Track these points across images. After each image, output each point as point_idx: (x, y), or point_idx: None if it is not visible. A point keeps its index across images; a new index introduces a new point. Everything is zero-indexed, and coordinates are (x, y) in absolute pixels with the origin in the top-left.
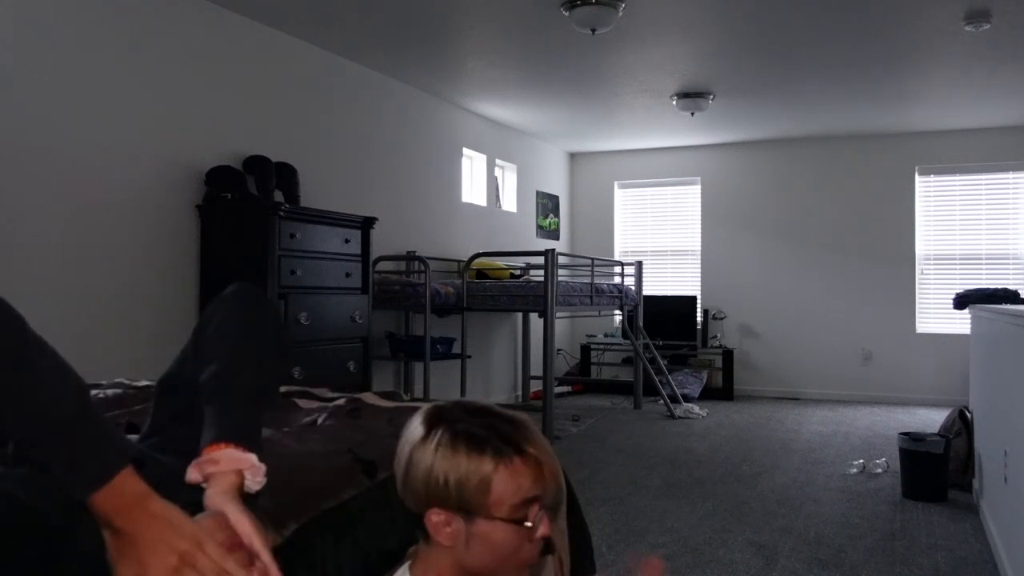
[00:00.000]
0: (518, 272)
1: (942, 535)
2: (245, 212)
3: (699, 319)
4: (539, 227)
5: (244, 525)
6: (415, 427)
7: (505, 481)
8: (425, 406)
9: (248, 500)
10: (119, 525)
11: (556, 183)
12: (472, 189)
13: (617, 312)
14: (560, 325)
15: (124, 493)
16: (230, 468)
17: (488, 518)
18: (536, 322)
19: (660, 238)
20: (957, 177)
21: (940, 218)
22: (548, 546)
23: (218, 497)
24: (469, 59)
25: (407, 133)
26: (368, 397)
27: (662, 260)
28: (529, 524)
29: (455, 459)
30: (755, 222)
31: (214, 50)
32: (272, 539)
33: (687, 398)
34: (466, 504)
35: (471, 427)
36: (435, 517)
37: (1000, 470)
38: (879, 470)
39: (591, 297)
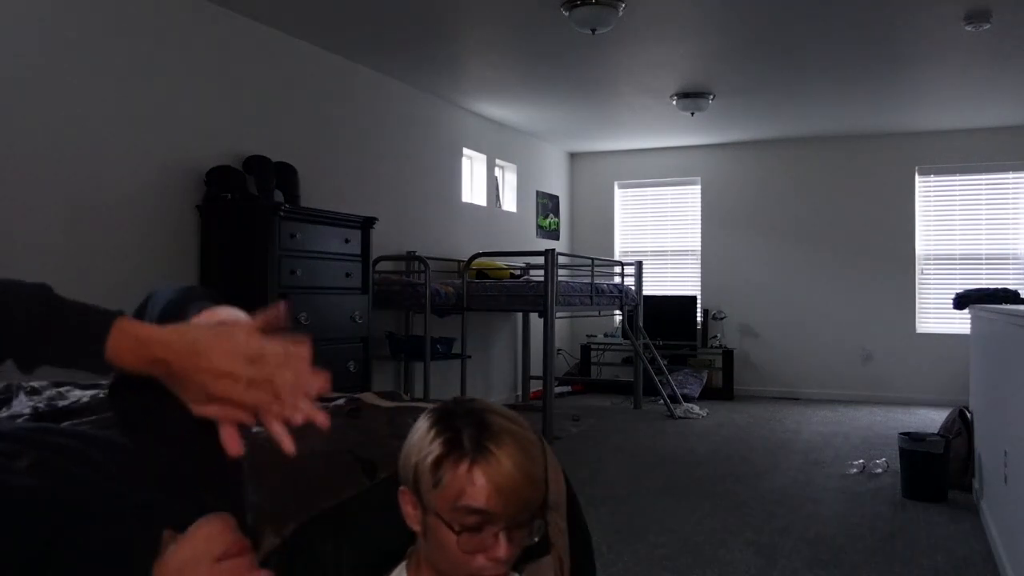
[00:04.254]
0: (518, 272)
1: (942, 535)
2: (245, 212)
3: (699, 319)
4: (539, 227)
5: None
6: (424, 412)
7: (449, 477)
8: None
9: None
10: (154, 356)
11: (556, 183)
12: (472, 189)
13: (617, 312)
14: (560, 325)
15: (134, 334)
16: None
17: (434, 513)
18: (536, 322)
19: (660, 238)
20: (957, 177)
21: (940, 218)
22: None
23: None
24: (469, 59)
25: (407, 133)
26: (368, 397)
27: (662, 260)
28: (472, 535)
29: (423, 438)
30: (755, 222)
31: (214, 50)
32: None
33: (687, 398)
34: (418, 488)
35: (453, 419)
36: (405, 497)
37: (1000, 470)
38: (879, 470)
39: (591, 297)
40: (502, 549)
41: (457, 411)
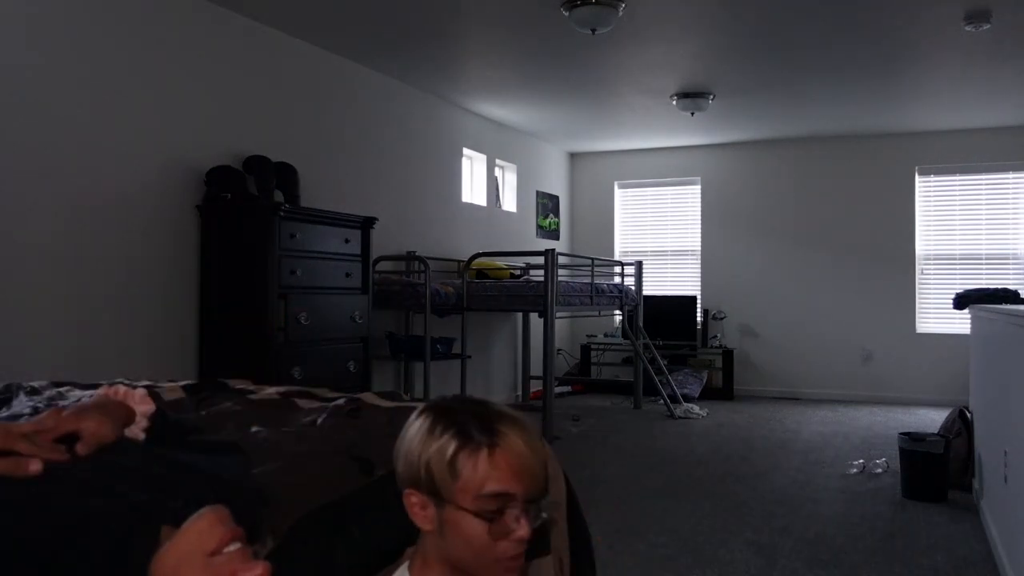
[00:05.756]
0: (518, 272)
1: (942, 535)
2: (245, 212)
3: (699, 319)
4: (539, 227)
5: None
6: (414, 412)
7: (469, 468)
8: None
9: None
10: None
11: (556, 183)
12: (472, 189)
13: (617, 312)
14: (560, 325)
15: None
16: None
17: (456, 506)
18: (536, 322)
19: (660, 238)
20: (957, 177)
21: (940, 218)
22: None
23: None
24: (469, 59)
25: (407, 133)
26: (368, 397)
27: (662, 260)
28: (497, 520)
29: (429, 439)
30: (755, 222)
31: (214, 50)
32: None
33: (687, 398)
34: (435, 488)
35: (454, 412)
36: (412, 498)
37: (1000, 470)
38: (879, 470)
39: (591, 297)
40: (524, 529)
41: (452, 406)
